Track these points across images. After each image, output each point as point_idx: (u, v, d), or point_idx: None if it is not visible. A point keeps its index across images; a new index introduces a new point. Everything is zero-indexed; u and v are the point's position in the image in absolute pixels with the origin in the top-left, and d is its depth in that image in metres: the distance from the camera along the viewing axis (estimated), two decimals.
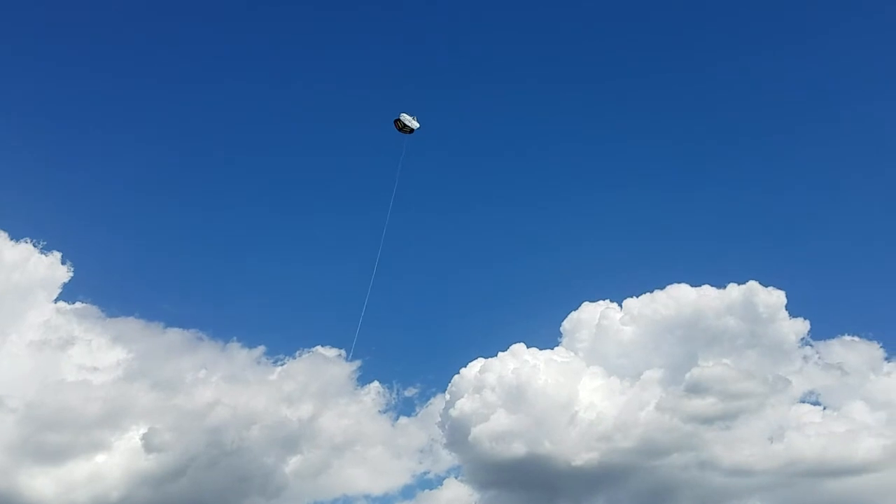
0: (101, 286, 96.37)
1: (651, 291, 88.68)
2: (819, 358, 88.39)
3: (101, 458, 75.97)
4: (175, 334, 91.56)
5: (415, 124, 66.07)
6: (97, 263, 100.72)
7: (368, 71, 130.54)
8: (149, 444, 75.60)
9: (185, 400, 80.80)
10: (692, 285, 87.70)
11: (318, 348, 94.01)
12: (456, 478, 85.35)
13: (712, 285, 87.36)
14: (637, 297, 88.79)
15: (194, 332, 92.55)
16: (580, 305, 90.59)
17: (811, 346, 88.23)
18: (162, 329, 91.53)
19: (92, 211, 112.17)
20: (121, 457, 76.32)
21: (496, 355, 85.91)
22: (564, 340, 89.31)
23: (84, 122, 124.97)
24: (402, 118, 65.82)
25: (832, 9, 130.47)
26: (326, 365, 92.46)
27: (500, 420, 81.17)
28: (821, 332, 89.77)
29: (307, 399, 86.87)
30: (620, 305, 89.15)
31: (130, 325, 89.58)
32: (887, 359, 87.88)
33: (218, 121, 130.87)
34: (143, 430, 76.62)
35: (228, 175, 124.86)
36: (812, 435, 79.40)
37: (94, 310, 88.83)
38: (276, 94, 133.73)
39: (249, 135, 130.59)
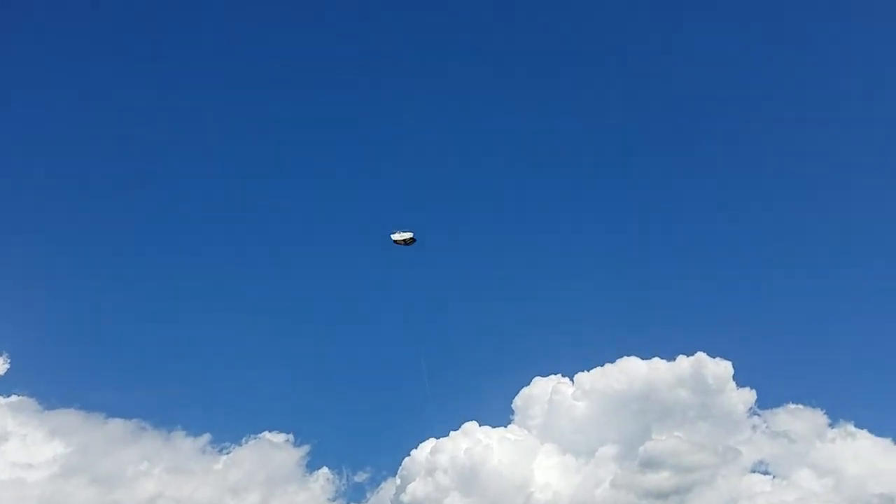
0: (39, 377, 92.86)
1: (602, 365, 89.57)
2: (767, 427, 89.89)
3: None
4: (116, 425, 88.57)
5: (407, 235, 68.48)
6: (34, 354, 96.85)
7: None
8: None
9: (125, 495, 78.22)
10: (642, 358, 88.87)
11: (266, 434, 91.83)
12: None
13: (662, 357, 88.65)
14: (588, 370, 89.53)
15: (137, 422, 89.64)
16: (532, 381, 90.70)
17: (759, 415, 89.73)
18: (103, 420, 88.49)
19: (25, 298, 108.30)
20: None
21: (448, 435, 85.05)
22: (517, 417, 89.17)
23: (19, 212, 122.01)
24: (396, 238, 68.39)
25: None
26: (273, 451, 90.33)
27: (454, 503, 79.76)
28: (767, 400, 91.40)
29: (254, 488, 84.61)
30: (572, 380, 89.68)
31: (70, 417, 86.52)
32: (831, 425, 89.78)
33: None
34: None
35: (160, 249, 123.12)
36: None
37: (30, 402, 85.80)
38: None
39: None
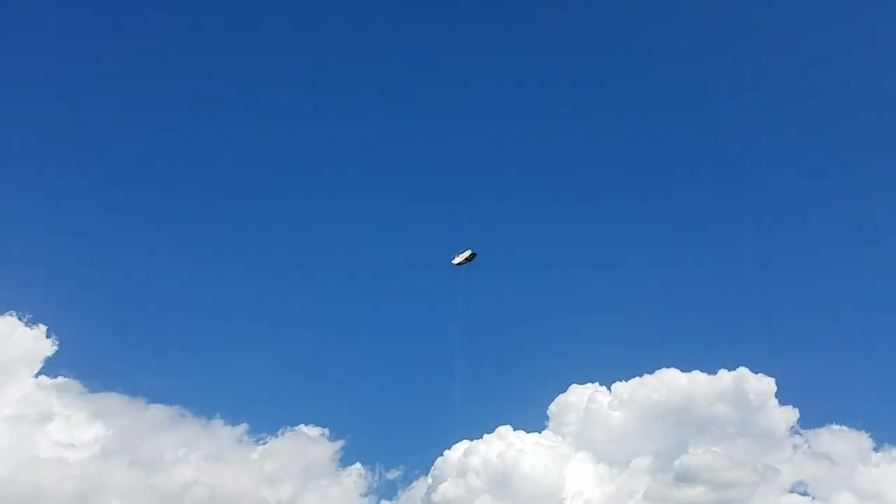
0: (85, 361, 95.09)
1: (640, 375, 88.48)
2: (808, 447, 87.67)
3: None
4: (157, 411, 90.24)
5: (467, 253, 69.85)
6: (82, 338, 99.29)
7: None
8: None
9: (163, 479, 79.35)
10: (682, 370, 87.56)
11: (302, 427, 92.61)
12: None
13: (702, 371, 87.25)
14: (626, 380, 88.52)
15: (177, 409, 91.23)
16: (568, 388, 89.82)
17: (800, 434, 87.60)
18: (144, 405, 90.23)
19: (79, 284, 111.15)
20: None
21: (482, 437, 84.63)
22: (552, 424, 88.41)
23: (68, 193, 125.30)
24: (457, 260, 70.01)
25: None
26: (309, 444, 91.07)
27: None
28: (810, 420, 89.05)
29: (288, 480, 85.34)
30: (609, 389, 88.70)
31: (112, 401, 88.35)
32: (875, 449, 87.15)
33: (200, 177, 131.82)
34: None
35: (211, 247, 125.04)
36: None
37: (75, 384, 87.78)
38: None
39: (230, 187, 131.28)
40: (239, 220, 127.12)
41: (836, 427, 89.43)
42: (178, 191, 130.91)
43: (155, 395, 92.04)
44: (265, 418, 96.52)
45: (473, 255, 69.09)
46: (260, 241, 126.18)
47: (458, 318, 76.07)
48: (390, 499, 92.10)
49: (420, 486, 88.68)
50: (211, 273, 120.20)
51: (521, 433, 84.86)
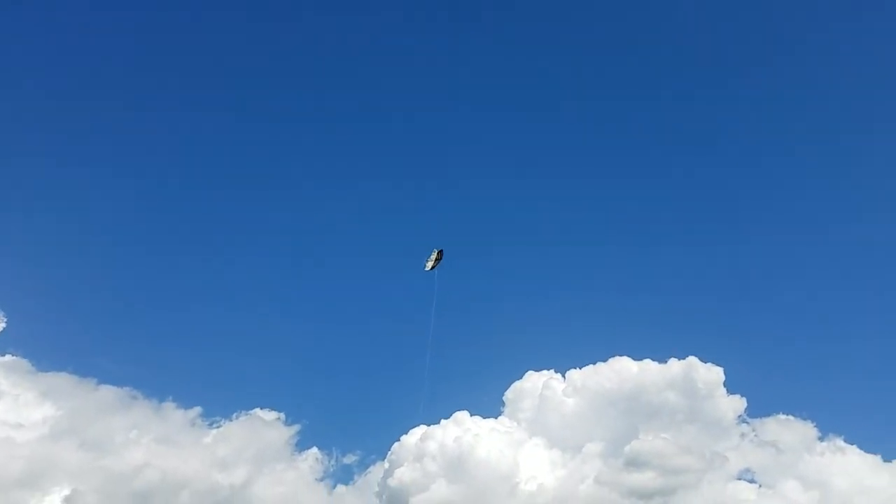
0: (34, 339, 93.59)
1: (594, 363, 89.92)
2: (755, 435, 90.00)
3: None
4: (108, 392, 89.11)
5: (435, 255, 67.89)
6: (31, 315, 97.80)
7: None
8: None
9: (113, 461, 78.32)
10: (634, 359, 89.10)
11: (257, 411, 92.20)
12: None
13: (653, 359, 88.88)
14: (580, 368, 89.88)
15: (128, 391, 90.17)
16: (524, 375, 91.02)
17: (748, 423, 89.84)
18: (94, 386, 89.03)
19: (28, 261, 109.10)
20: None
21: (438, 423, 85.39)
22: (507, 410, 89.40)
23: (17, 165, 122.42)
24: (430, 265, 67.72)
25: None
26: (264, 428, 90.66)
27: (440, 490, 79.92)
28: (757, 409, 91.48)
29: (242, 464, 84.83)
30: (564, 376, 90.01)
31: (61, 381, 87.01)
32: (820, 438, 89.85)
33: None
34: (65, 491, 73.65)
35: (168, 223, 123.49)
36: None
37: (24, 363, 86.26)
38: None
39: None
40: (193, 203, 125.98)
41: (782, 416, 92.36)
42: (132, 169, 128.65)
43: (105, 376, 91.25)
44: (219, 402, 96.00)
45: (441, 252, 67.65)
46: (217, 224, 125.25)
47: (433, 318, 76.08)
48: (347, 483, 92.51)
49: (377, 470, 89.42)
50: (165, 255, 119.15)
51: (477, 419, 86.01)
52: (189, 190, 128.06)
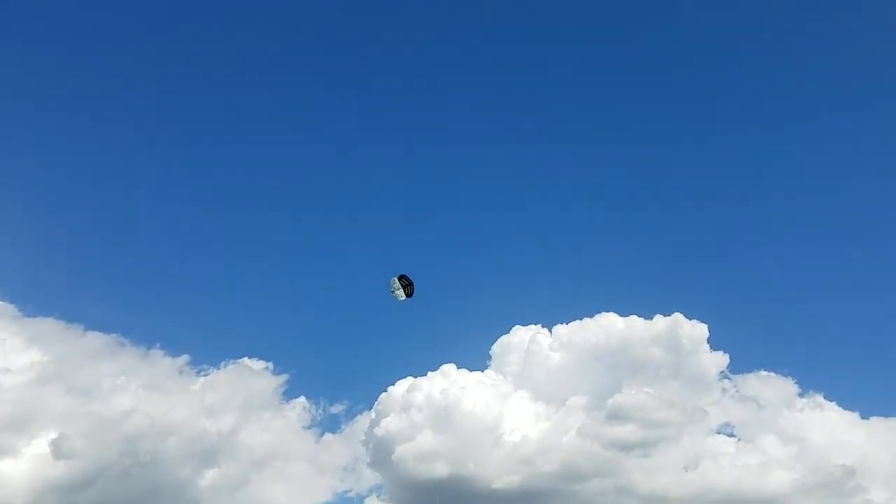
0: (20, 284, 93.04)
1: (581, 319, 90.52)
2: (736, 391, 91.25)
3: (6, 463, 73.34)
4: (95, 338, 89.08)
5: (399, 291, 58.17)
6: (17, 260, 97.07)
7: None
8: (58, 451, 73.24)
9: (100, 406, 78.68)
10: (620, 314, 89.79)
11: (245, 360, 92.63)
12: (378, 496, 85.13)
13: (639, 315, 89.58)
14: (567, 323, 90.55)
15: (115, 337, 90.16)
16: (511, 329, 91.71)
17: (729, 378, 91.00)
18: (82, 332, 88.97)
19: (13, 205, 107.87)
20: (27, 463, 73.63)
21: (426, 374, 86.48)
22: (494, 363, 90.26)
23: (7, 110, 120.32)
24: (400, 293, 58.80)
25: None
26: (252, 377, 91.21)
27: (426, 440, 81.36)
28: (739, 366, 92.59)
29: (229, 412, 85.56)
30: (550, 331, 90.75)
31: (48, 327, 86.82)
32: (800, 395, 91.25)
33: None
34: (52, 435, 74.22)
35: (159, 170, 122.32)
36: (726, 466, 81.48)
37: (10, 308, 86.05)
38: None
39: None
40: (186, 151, 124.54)
41: (764, 373, 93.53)
42: (120, 114, 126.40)
43: (93, 323, 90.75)
44: (207, 350, 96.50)
45: (403, 277, 57.38)
46: (210, 173, 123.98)
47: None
48: (334, 432, 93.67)
49: (363, 420, 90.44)
50: (156, 203, 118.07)
51: (464, 371, 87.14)
52: (182, 137, 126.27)
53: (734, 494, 79.90)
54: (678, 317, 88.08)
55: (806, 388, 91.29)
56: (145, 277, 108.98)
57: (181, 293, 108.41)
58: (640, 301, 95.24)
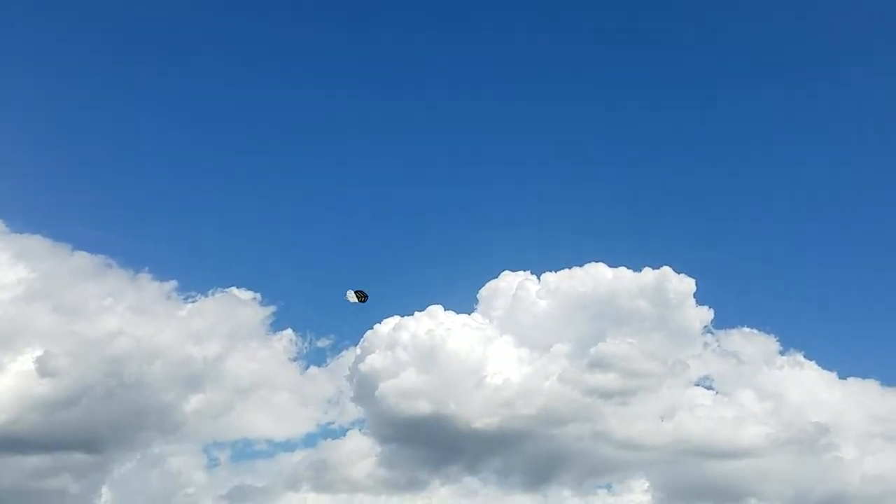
0: (7, 199, 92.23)
1: (570, 268, 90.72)
2: (718, 346, 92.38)
3: None
4: (82, 258, 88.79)
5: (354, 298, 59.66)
6: (6, 174, 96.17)
7: None
8: (43, 368, 73.55)
9: (86, 327, 78.82)
10: (610, 265, 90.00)
11: (233, 289, 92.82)
12: (360, 430, 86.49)
13: (628, 267, 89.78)
14: (556, 272, 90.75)
15: (103, 258, 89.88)
16: (500, 274, 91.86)
17: (712, 333, 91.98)
18: (69, 251, 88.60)
19: (5, 121, 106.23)
20: (12, 379, 74.05)
21: (413, 314, 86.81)
22: (481, 307, 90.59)
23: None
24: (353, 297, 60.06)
25: None
26: (239, 307, 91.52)
27: (409, 378, 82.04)
28: (723, 321, 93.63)
29: (215, 339, 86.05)
30: (539, 278, 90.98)
31: (35, 244, 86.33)
32: (781, 353, 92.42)
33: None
34: (38, 353, 74.40)
35: (156, 97, 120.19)
36: (702, 417, 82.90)
37: None
38: None
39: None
40: (183, 78, 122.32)
41: (747, 330, 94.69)
42: (118, 35, 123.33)
43: (81, 242, 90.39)
44: (195, 277, 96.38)
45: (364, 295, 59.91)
46: (203, 103, 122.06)
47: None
48: (319, 365, 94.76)
49: (349, 355, 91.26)
50: (152, 127, 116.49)
51: (451, 313, 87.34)
52: (179, 65, 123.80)
53: (707, 445, 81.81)
54: (667, 270, 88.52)
55: (787, 346, 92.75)
56: (136, 201, 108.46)
57: (172, 219, 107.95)
58: (631, 253, 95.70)
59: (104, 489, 77.10)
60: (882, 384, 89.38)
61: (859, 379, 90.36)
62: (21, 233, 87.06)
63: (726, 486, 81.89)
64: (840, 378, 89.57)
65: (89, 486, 76.00)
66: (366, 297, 60.22)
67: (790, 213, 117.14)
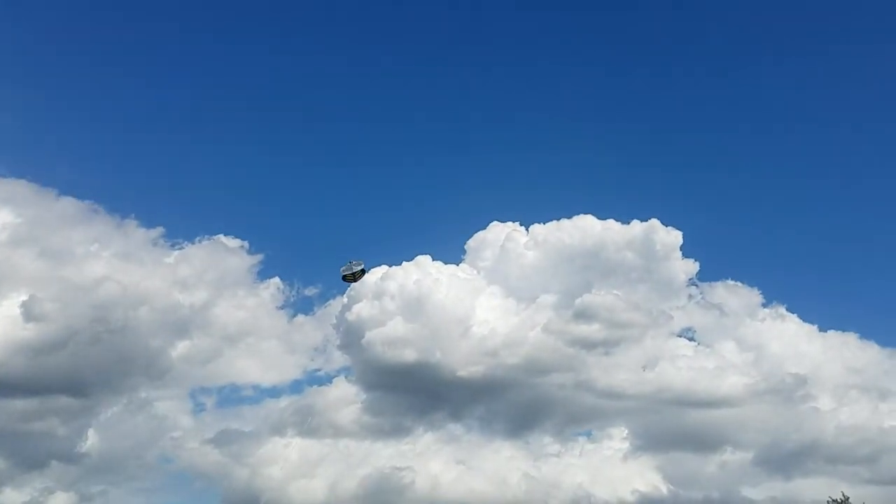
0: None
1: (558, 219, 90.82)
2: (702, 298, 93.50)
3: None
4: (69, 204, 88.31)
5: (358, 268, 61.00)
6: None
7: None
8: (28, 313, 73.60)
9: (72, 272, 78.72)
10: (598, 217, 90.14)
11: (221, 237, 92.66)
12: (346, 378, 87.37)
13: (617, 220, 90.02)
14: (544, 223, 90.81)
15: (89, 204, 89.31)
16: (488, 225, 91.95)
17: (697, 286, 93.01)
18: (55, 196, 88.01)
19: None
20: None
21: (400, 264, 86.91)
22: (468, 257, 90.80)
23: None
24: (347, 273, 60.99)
25: None
26: (227, 255, 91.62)
27: (396, 327, 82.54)
28: (708, 274, 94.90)
29: (202, 286, 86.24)
30: (527, 230, 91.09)
31: (20, 188, 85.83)
32: (764, 305, 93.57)
33: None
34: (23, 297, 74.33)
35: (146, 43, 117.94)
36: (683, 367, 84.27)
37: None
38: None
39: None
40: (173, 25, 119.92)
41: (731, 282, 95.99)
42: None
43: (66, 188, 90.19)
44: (182, 224, 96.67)
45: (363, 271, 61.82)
46: (196, 49, 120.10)
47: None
48: (306, 314, 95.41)
49: (336, 304, 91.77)
50: (141, 74, 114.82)
51: (438, 264, 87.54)
52: (170, 12, 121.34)
53: (687, 395, 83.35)
54: (654, 223, 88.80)
55: (770, 299, 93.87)
56: (122, 147, 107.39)
57: (159, 166, 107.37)
58: (619, 206, 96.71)
59: (90, 432, 78.11)
60: (860, 337, 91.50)
61: (839, 332, 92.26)
62: (5, 177, 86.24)
63: (704, 434, 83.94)
64: (820, 331, 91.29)
65: (76, 430, 77.00)
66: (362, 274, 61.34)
67: (777, 170, 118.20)
